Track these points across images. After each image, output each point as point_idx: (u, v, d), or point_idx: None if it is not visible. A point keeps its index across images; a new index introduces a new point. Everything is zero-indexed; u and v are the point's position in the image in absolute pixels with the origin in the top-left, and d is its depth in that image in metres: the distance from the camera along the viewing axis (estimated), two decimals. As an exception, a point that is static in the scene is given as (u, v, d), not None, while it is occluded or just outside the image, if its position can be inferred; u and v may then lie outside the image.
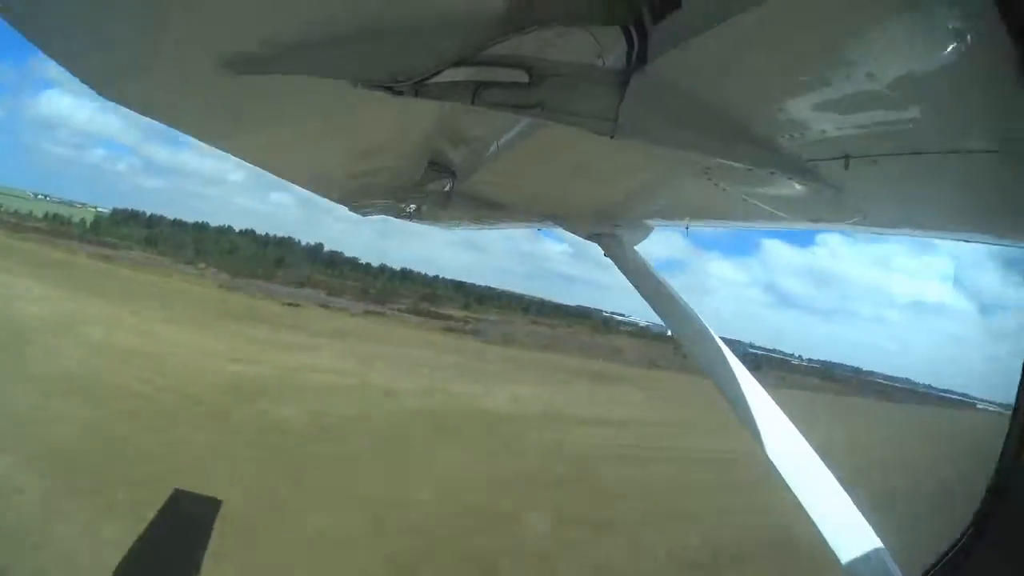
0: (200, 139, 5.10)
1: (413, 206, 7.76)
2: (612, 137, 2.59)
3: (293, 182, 7.54)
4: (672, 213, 6.00)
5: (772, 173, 3.24)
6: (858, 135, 2.61)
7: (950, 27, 2.22)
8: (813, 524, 4.33)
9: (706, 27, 2.26)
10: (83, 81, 3.45)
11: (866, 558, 4.13)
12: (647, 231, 6.97)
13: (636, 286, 6.58)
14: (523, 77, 2.57)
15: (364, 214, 11.45)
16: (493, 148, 4.94)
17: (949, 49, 2.23)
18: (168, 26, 2.74)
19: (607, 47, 2.75)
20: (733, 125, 2.86)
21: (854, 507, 4.41)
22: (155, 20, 2.69)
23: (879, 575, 4.13)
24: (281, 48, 2.72)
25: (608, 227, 6.72)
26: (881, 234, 4.45)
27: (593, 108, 2.59)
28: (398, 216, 9.62)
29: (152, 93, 3.85)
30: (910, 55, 2.25)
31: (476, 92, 2.60)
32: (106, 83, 3.72)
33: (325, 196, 9.04)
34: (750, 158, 3.08)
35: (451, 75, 2.58)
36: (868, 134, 2.58)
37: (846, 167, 2.78)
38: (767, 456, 4.78)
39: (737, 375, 5.53)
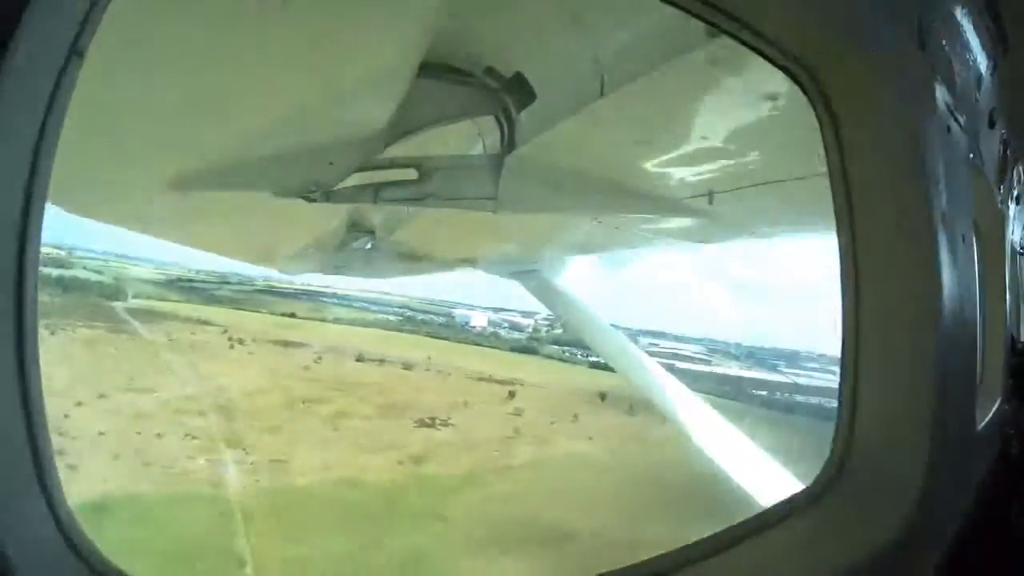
0: (153, 236, 5.75)
1: (338, 264, 8.07)
2: (494, 213, 3.08)
3: (233, 257, 7.85)
4: (582, 249, 6.51)
5: (650, 217, 3.82)
6: (712, 178, 3.20)
7: (764, 92, 2.86)
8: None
9: (563, 114, 2.78)
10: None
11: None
12: (563, 263, 7.50)
13: (559, 315, 7.06)
14: (413, 175, 3.04)
15: (295, 273, 11.71)
16: (405, 210, 5.35)
17: (764, 108, 2.95)
18: (122, 157, 3.19)
19: (487, 134, 3.25)
20: (606, 186, 3.40)
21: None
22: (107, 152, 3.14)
23: None
24: (215, 170, 3.17)
25: (526, 266, 7.22)
26: (768, 240, 5.09)
27: (475, 191, 3.08)
28: (326, 272, 9.93)
29: (109, 207, 4.31)
30: (732, 116, 2.85)
31: (376, 193, 3.06)
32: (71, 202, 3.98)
33: (264, 265, 9.35)
34: (627, 208, 3.64)
35: (354, 180, 3.04)
36: (720, 176, 3.17)
37: (710, 202, 3.36)
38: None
39: (663, 383, 6.11)
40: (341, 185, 3.10)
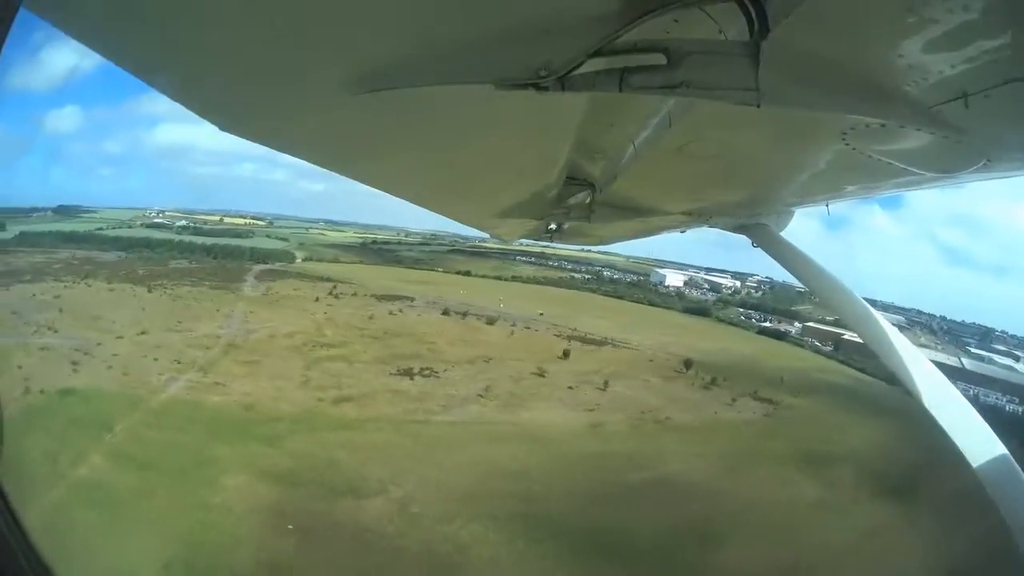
0: (331, 168, 5.21)
1: (554, 224, 7.99)
2: (758, 106, 2.68)
3: (432, 209, 7.86)
4: (812, 192, 5.94)
5: (902, 127, 3.26)
6: (969, 70, 2.60)
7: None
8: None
9: None
10: (207, 119, 3.61)
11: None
12: (790, 216, 6.96)
13: (790, 271, 6.61)
14: (661, 60, 2.71)
15: (506, 239, 11.92)
16: (630, 151, 4.97)
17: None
18: (290, 50, 2.84)
19: (725, 22, 2.87)
20: (862, 80, 2.88)
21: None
22: (275, 45, 2.80)
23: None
24: (413, 59, 2.83)
25: (753, 218, 6.82)
26: (1008, 177, 4.28)
27: (734, 81, 2.66)
28: (539, 238, 9.96)
29: (274, 122, 3.92)
30: None
31: (622, 79, 2.76)
32: (227, 119, 3.83)
33: (465, 223, 9.49)
34: (882, 112, 3.12)
35: (594, 65, 2.77)
36: (978, 67, 2.56)
37: (966, 105, 2.76)
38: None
39: (897, 345, 5.58)
40: (579, 71, 2.82)
